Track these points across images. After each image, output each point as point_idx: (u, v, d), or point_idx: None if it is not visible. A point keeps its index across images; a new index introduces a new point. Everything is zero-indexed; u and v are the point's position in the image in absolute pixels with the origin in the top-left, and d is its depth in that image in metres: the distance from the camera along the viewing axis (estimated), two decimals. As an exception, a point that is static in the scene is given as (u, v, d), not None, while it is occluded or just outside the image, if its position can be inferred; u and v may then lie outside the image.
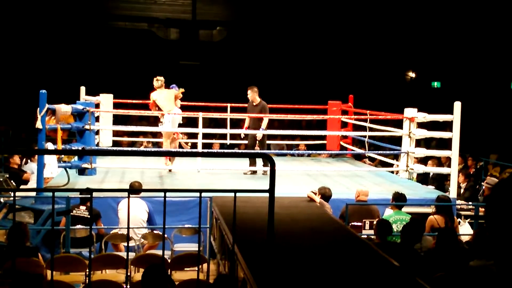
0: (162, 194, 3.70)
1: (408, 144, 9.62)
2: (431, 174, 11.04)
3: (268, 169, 9.42)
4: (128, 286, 5.30)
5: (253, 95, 9.93)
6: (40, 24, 19.66)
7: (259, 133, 9.84)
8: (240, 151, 11.33)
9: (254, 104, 9.96)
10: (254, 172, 9.91)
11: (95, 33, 20.59)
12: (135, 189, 7.27)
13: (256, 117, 9.85)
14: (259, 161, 10.11)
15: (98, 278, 5.87)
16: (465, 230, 7.98)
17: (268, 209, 3.45)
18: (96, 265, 6.02)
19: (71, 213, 7.14)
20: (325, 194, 7.48)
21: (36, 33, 19.75)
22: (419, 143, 9.99)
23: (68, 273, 6.35)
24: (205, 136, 10.45)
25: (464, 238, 7.11)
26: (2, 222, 7.71)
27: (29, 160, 10.86)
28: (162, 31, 21.53)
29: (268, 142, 13.15)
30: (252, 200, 6.35)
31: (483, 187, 10.23)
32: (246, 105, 10.32)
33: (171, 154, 10.25)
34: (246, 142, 12.21)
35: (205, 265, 6.55)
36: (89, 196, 7.21)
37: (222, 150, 12.36)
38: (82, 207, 7.36)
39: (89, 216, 7.15)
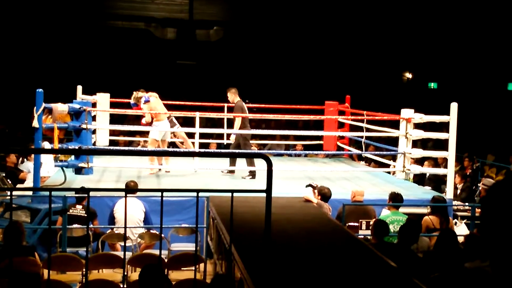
0: (159, 193, 3.70)
1: (404, 145, 9.64)
2: (428, 174, 11.06)
3: (253, 168, 9.46)
4: (125, 286, 5.30)
5: (230, 96, 9.88)
6: (37, 23, 19.62)
7: (232, 136, 9.84)
8: (237, 151, 11.27)
9: (233, 105, 9.93)
10: (231, 172, 9.82)
11: (92, 32, 20.56)
12: (131, 189, 7.28)
13: (233, 118, 9.79)
14: (241, 161, 10.02)
15: (95, 277, 5.87)
16: (461, 231, 8.00)
17: (265, 209, 3.46)
18: (92, 264, 6.02)
19: (68, 213, 7.14)
20: (325, 195, 7.47)
21: (32, 32, 19.71)
22: (416, 143, 10.01)
23: (64, 272, 6.35)
24: (202, 135, 10.44)
25: (460, 239, 7.13)
26: (-2, 221, 7.70)
27: (25, 159, 10.84)
28: (159, 30, 21.50)
29: (268, 142, 13.13)
30: (249, 200, 6.36)
31: (480, 188, 10.25)
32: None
33: (168, 154, 10.24)
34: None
35: (202, 265, 6.56)
36: (85, 195, 7.23)
37: (219, 150, 12.35)
38: (79, 206, 7.36)
39: (85, 215, 7.16)
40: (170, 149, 9.75)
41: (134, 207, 7.45)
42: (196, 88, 19.51)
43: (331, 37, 20.96)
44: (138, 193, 7.53)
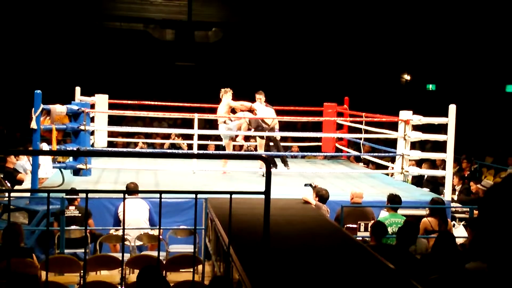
0: (157, 195, 3.70)
1: (403, 147, 9.64)
2: (426, 176, 11.06)
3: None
4: (123, 287, 5.29)
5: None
6: (36, 24, 19.62)
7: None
8: (235, 152, 11.27)
9: None
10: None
11: (90, 33, 20.56)
12: (131, 190, 7.27)
13: None
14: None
15: (93, 279, 5.86)
16: (459, 232, 8.00)
17: (263, 211, 3.45)
18: (90, 266, 6.01)
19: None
20: (323, 196, 7.46)
21: (31, 33, 19.70)
22: (414, 145, 10.01)
23: (62, 274, 6.33)
24: (201, 137, 10.44)
25: (459, 241, 7.12)
26: (-4, 222, 7.69)
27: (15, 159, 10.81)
28: (158, 31, 21.51)
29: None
30: (247, 202, 6.34)
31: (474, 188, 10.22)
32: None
33: (165, 156, 10.25)
34: (241, 143, 12.22)
35: (200, 267, 6.55)
36: (76, 196, 7.25)
37: (217, 152, 12.35)
38: (71, 207, 7.34)
39: (79, 215, 7.16)
40: (169, 151, 9.74)
41: (139, 207, 7.43)
42: (195, 89, 19.50)
43: (330, 39, 20.97)
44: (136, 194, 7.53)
